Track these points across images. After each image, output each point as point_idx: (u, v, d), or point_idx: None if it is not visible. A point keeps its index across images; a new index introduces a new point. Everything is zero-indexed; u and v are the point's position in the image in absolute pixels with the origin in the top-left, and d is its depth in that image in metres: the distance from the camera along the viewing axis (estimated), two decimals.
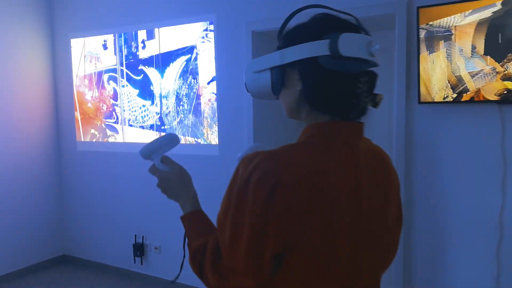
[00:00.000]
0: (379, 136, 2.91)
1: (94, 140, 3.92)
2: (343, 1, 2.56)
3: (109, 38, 3.73)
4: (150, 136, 3.59)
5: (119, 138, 3.77)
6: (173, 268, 3.52)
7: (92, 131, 3.94)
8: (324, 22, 0.90)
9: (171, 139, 1.10)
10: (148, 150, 1.08)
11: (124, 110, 3.73)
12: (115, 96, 3.77)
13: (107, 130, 3.83)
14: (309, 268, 0.82)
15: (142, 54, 3.56)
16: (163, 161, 1.09)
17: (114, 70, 3.75)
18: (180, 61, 3.35)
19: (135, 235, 3.74)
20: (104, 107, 3.82)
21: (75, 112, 4.01)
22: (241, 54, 3.05)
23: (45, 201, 4.09)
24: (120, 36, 3.67)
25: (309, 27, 0.91)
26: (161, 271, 3.64)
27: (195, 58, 3.29)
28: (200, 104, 3.31)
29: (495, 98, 2.17)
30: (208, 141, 3.30)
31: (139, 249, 3.71)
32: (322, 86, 0.87)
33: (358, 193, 0.86)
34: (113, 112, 3.80)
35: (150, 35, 3.48)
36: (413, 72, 2.42)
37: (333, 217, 0.82)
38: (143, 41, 3.53)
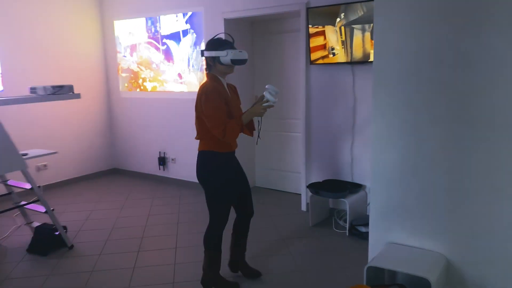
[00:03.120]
0: (296, 76, 4.74)
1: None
2: (270, 1, 4.33)
3: (142, 20, 5.60)
4: (173, 87, 5.49)
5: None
6: (185, 171, 5.53)
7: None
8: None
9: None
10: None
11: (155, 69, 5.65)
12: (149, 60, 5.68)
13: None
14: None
15: (164, 31, 5.40)
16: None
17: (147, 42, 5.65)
18: (190, 36, 5.19)
19: (159, 152, 5.76)
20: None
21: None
22: (218, 32, 4.83)
23: (102, 133, 6.18)
24: (149, 19, 5.52)
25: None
26: (176, 174, 5.67)
27: (199, 34, 5.11)
28: (202, 64, 5.14)
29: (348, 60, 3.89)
30: None
31: (162, 161, 5.73)
32: None
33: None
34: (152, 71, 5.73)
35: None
36: (306, 44, 4.15)
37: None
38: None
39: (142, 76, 5.80)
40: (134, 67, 5.84)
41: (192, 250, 3.56)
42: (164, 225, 4.18)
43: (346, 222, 4.03)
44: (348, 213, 3.80)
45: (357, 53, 3.83)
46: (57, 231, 3.64)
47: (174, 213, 4.53)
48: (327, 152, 4.29)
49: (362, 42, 3.78)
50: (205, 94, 2.64)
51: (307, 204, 4.47)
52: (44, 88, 3.60)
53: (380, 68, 2.54)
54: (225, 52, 2.62)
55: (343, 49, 3.90)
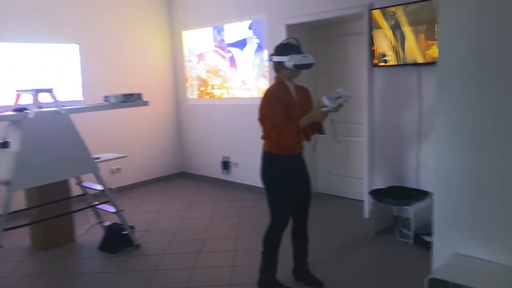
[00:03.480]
0: (359, 79, 4.65)
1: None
2: (334, 3, 4.32)
3: (209, 29, 5.80)
4: (237, 93, 5.61)
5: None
6: (247, 175, 5.62)
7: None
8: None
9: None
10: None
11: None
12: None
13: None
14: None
15: (228, 39, 5.55)
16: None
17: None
18: (253, 43, 5.29)
19: (223, 156, 5.90)
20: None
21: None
22: (280, 38, 4.87)
23: (171, 139, 6.47)
24: (215, 28, 5.70)
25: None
26: (239, 178, 5.77)
27: (261, 41, 5.19)
28: (265, 70, 5.21)
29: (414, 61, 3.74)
30: None
31: (225, 165, 5.86)
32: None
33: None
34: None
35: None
36: (369, 47, 4.04)
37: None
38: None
39: (211, 83, 5.98)
40: (204, 74, 6.04)
41: (251, 254, 3.59)
42: (225, 228, 4.27)
43: (410, 231, 3.84)
44: (412, 221, 3.62)
45: (410, 57, 3.68)
46: (125, 231, 3.85)
47: (235, 216, 4.61)
48: (392, 158, 4.13)
49: (416, 44, 3.62)
50: (266, 98, 2.71)
51: (370, 211, 4.33)
52: (116, 96, 3.84)
53: (444, 72, 2.41)
54: (288, 57, 2.63)
55: (395, 55, 3.77)
